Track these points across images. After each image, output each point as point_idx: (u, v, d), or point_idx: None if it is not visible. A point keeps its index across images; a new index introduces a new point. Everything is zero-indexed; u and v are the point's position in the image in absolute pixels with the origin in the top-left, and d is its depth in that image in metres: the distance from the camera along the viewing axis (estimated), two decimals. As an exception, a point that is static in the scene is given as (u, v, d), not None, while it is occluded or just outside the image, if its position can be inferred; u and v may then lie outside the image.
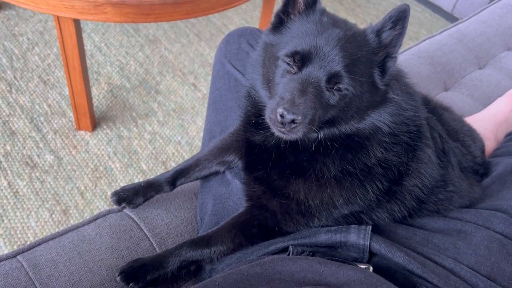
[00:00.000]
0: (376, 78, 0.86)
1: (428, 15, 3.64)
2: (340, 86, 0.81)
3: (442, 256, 0.87)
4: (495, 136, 1.39)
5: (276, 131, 0.83)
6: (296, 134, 0.81)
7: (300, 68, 0.82)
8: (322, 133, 0.87)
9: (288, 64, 0.83)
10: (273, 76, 0.87)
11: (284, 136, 0.83)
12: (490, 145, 1.34)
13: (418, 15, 3.61)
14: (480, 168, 1.16)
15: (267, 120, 0.84)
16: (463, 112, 1.51)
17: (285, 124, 0.79)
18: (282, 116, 0.78)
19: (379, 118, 0.88)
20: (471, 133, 1.23)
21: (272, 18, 0.94)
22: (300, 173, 0.91)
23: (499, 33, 1.94)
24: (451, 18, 3.57)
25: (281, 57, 0.84)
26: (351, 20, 3.40)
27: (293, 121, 0.78)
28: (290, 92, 0.80)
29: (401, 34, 0.84)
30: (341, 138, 0.88)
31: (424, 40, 1.85)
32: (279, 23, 0.92)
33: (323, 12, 0.88)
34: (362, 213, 0.94)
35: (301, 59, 0.82)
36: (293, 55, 0.82)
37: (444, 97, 1.61)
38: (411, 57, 1.72)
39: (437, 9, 3.65)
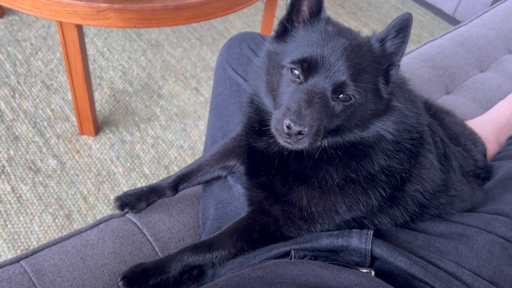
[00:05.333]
0: (380, 87, 0.86)
1: (430, 18, 3.64)
2: (346, 96, 0.81)
3: (444, 260, 0.86)
4: (497, 139, 1.39)
5: (282, 141, 0.83)
6: (302, 144, 0.81)
7: (306, 78, 0.82)
8: (326, 141, 0.86)
9: (294, 73, 0.83)
10: (278, 85, 0.87)
11: (290, 147, 0.83)
12: (492, 148, 1.34)
13: (419, 18, 3.61)
14: (482, 172, 1.16)
15: (273, 131, 0.84)
16: (465, 116, 1.51)
17: (291, 135, 0.79)
18: (288, 127, 0.78)
19: (383, 127, 0.88)
20: (473, 137, 1.22)
21: (275, 25, 0.94)
22: (303, 180, 0.91)
23: (500, 36, 1.94)
24: (452, 21, 3.57)
25: (286, 66, 0.84)
26: (353, 23, 3.36)
27: (299, 133, 0.78)
28: (296, 103, 0.79)
29: (404, 42, 0.84)
30: (345, 146, 0.88)
31: (426, 44, 1.85)
32: (283, 31, 0.91)
33: (328, 20, 0.88)
34: (364, 218, 0.94)
35: (307, 68, 0.81)
36: (300, 62, 0.82)
37: (445, 101, 1.61)
38: (413, 60, 1.72)
39: (438, 12, 3.65)
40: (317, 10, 0.88)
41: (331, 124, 0.84)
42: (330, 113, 0.82)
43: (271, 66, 0.91)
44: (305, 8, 0.89)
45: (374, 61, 0.84)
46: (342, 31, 0.86)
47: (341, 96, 0.82)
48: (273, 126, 0.83)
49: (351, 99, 0.82)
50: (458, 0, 3.34)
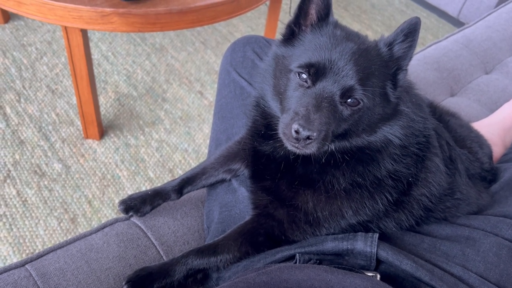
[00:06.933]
0: (388, 91, 0.85)
1: (434, 20, 3.64)
2: (354, 100, 0.81)
3: (450, 264, 0.86)
4: (503, 141, 1.38)
5: (290, 146, 0.82)
6: (310, 149, 0.80)
7: (314, 82, 0.82)
8: (333, 145, 0.86)
9: (302, 78, 0.83)
10: (285, 89, 0.86)
11: (297, 151, 0.83)
12: (497, 150, 1.33)
13: (424, 20, 3.60)
14: (487, 175, 1.15)
15: (281, 135, 0.83)
16: (470, 118, 1.50)
17: (299, 140, 0.78)
18: (297, 132, 0.77)
19: (390, 131, 0.87)
20: (478, 139, 1.22)
21: (280, 29, 0.93)
22: (309, 185, 0.91)
23: (505, 38, 1.93)
24: (457, 23, 3.56)
25: (294, 70, 0.84)
26: (357, 26, 3.36)
27: (308, 137, 0.77)
28: (304, 107, 0.79)
29: (411, 47, 0.83)
30: (352, 150, 0.88)
31: (430, 46, 1.84)
32: (291, 35, 0.91)
33: (336, 24, 0.88)
34: (370, 222, 0.94)
35: (315, 73, 0.81)
36: (308, 67, 0.82)
37: (450, 103, 1.60)
38: (417, 62, 1.72)
39: (443, 14, 3.64)
40: (325, 14, 0.87)
41: (339, 128, 0.83)
42: (338, 117, 0.81)
43: (278, 69, 0.90)
44: (313, 12, 0.88)
45: (382, 65, 0.84)
46: (350, 35, 0.86)
47: (349, 100, 0.81)
48: (281, 130, 0.83)
49: (359, 103, 0.81)
50: (463, 2, 3.33)
